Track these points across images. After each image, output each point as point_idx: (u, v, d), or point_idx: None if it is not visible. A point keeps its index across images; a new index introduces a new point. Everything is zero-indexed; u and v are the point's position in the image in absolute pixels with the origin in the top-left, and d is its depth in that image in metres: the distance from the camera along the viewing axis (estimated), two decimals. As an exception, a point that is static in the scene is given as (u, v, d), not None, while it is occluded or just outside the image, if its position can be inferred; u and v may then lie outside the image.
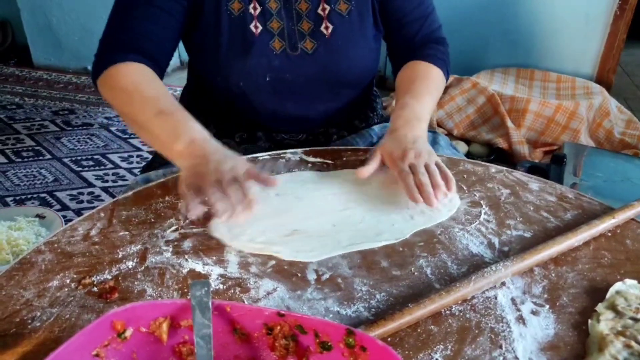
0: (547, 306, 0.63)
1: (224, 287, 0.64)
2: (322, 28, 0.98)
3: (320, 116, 1.08)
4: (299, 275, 0.67)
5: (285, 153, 0.94)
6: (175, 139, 0.78)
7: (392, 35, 1.06)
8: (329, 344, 0.44)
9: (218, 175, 0.72)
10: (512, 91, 2.47)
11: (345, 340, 0.43)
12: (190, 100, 1.12)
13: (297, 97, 1.02)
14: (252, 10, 0.96)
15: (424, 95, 0.96)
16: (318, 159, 0.93)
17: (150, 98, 0.86)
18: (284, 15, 0.97)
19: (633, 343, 0.55)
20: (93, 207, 0.79)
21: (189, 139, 0.78)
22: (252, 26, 0.96)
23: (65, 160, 2.32)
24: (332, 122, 1.10)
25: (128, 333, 0.45)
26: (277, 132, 1.07)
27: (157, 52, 0.94)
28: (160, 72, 0.94)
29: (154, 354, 0.46)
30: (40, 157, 2.33)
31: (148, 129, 0.84)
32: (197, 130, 0.80)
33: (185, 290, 0.64)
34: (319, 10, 0.98)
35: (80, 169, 2.25)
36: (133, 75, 0.89)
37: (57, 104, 2.87)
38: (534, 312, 0.62)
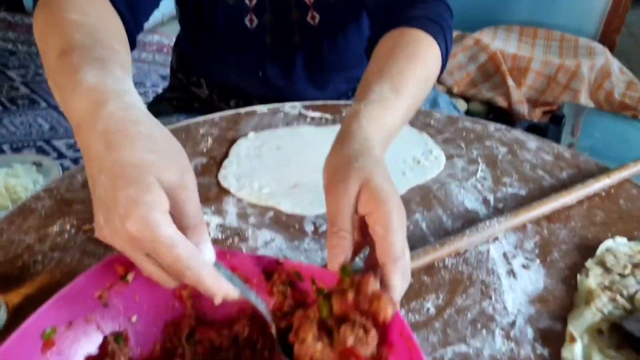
0: (538, 261, 0.64)
1: (223, 236, 0.66)
2: (309, 18, 0.93)
3: (316, 97, 1.05)
4: (297, 226, 0.68)
5: (283, 107, 0.93)
6: (67, 113, 0.46)
7: None
8: (325, 290, 0.45)
9: (140, 246, 0.39)
10: (515, 49, 2.44)
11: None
12: (182, 54, 1.10)
13: (291, 86, 1.00)
14: (247, 1, 0.91)
15: (407, 86, 0.60)
16: (317, 114, 0.93)
17: (65, 24, 0.53)
18: (275, 6, 0.93)
19: (618, 297, 0.57)
20: (91, 156, 0.79)
21: (76, 118, 0.44)
22: (247, 20, 0.93)
23: (61, 109, 2.30)
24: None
25: (130, 276, 0.46)
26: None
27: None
28: (134, 25, 0.68)
29: (155, 297, 0.47)
30: (36, 106, 2.31)
31: (51, 76, 0.50)
32: (87, 94, 0.44)
33: (185, 238, 0.65)
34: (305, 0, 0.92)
35: (76, 118, 2.23)
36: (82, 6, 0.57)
37: (52, 52, 2.82)
38: (524, 266, 0.63)
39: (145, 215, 0.37)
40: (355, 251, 0.47)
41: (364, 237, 0.47)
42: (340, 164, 0.48)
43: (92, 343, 0.45)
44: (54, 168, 1.59)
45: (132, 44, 0.66)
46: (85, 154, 0.42)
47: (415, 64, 0.62)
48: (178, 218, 0.40)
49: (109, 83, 0.44)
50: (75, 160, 1.95)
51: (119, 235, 0.38)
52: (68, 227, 0.65)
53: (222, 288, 0.41)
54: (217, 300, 0.41)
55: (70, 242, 0.63)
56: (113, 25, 0.60)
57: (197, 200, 0.41)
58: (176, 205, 0.39)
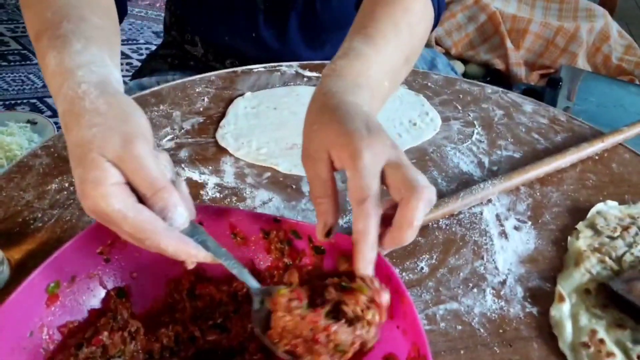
0: (530, 223, 0.66)
1: (221, 195, 0.66)
2: None
3: (312, 59, 1.03)
4: (294, 187, 0.69)
5: (280, 66, 0.93)
6: (54, 92, 0.45)
7: None
8: (322, 248, 0.47)
9: (105, 223, 0.40)
10: (515, 10, 2.40)
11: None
12: (175, 12, 1.07)
13: (286, 48, 0.98)
14: None
15: (389, 40, 0.56)
16: (314, 74, 0.92)
17: (42, 9, 0.51)
18: None
19: (607, 259, 0.59)
20: (87, 114, 0.79)
21: (53, 90, 0.45)
22: None
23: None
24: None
25: (131, 233, 0.46)
26: None
27: None
28: None
29: (156, 253, 0.48)
30: (28, 62, 2.27)
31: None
32: (55, 73, 0.45)
33: (183, 197, 0.65)
34: None
35: (69, 75, 2.20)
36: None
37: (42, 6, 2.75)
38: (516, 228, 0.65)
39: (92, 192, 0.38)
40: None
41: None
42: (306, 139, 0.48)
43: (95, 297, 0.46)
44: (48, 126, 1.58)
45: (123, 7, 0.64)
46: (62, 123, 0.43)
47: (394, 11, 0.57)
48: (136, 187, 0.39)
49: (65, 62, 0.44)
50: (69, 118, 1.93)
51: (84, 203, 0.39)
52: (66, 184, 0.66)
53: (190, 252, 0.40)
54: (188, 265, 0.41)
55: (69, 199, 0.64)
56: None
57: (152, 166, 0.39)
58: (128, 176, 0.39)
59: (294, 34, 0.97)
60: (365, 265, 0.41)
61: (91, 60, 0.45)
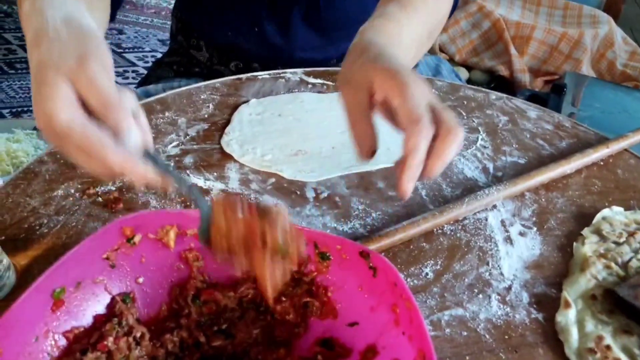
0: (535, 228, 0.65)
1: (225, 201, 0.66)
2: None
3: (317, 58, 1.02)
4: (298, 193, 0.69)
5: (285, 73, 0.93)
6: (26, 35, 0.47)
7: None
8: (328, 254, 0.47)
9: (58, 139, 0.41)
10: (518, 17, 2.41)
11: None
12: (181, 17, 1.08)
13: (289, 44, 0.98)
14: None
15: (419, 12, 0.63)
16: (319, 80, 0.93)
17: None
18: None
19: (613, 265, 0.59)
20: (93, 121, 0.79)
21: (29, 37, 0.46)
22: None
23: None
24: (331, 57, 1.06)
25: (137, 239, 0.47)
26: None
27: None
28: None
29: (161, 259, 0.48)
30: (34, 70, 2.29)
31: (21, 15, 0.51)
32: (39, 11, 0.46)
33: (188, 203, 0.66)
34: None
35: (75, 83, 2.22)
36: None
37: (48, 14, 2.77)
38: (521, 234, 0.65)
39: (43, 107, 0.39)
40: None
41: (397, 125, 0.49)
42: (348, 69, 0.52)
43: (100, 303, 0.46)
44: (54, 133, 1.58)
45: None
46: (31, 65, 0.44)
47: None
48: (89, 105, 0.41)
49: (37, 5, 0.46)
50: (75, 126, 1.94)
51: (41, 126, 0.41)
52: (72, 190, 0.66)
53: (137, 170, 0.41)
54: (137, 186, 0.41)
55: (75, 205, 0.64)
56: None
57: (105, 83, 0.40)
58: (81, 93, 0.40)
59: (297, 29, 0.97)
60: (408, 180, 0.45)
61: (63, 4, 0.46)
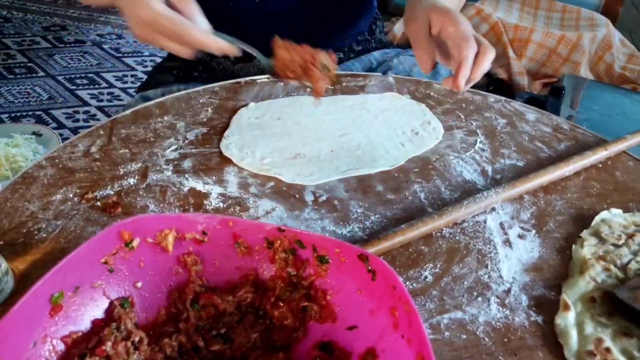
0: (534, 231, 0.65)
1: (224, 205, 0.66)
2: None
3: (314, 42, 1.05)
4: (297, 196, 0.69)
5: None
6: None
7: None
8: (326, 257, 0.47)
9: (152, 26, 0.62)
10: (517, 20, 2.41)
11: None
12: None
13: (289, 22, 0.99)
14: None
15: None
16: (317, 83, 0.93)
17: None
18: None
19: (612, 267, 0.58)
20: (89, 126, 0.80)
21: None
22: None
23: (59, 78, 2.28)
24: (327, 45, 1.07)
25: (135, 243, 0.47)
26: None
27: None
28: None
29: (160, 263, 0.48)
30: (34, 75, 2.29)
31: None
32: None
33: (187, 207, 0.66)
34: None
35: (74, 87, 2.22)
36: None
37: (48, 19, 2.78)
38: (520, 236, 0.64)
39: (147, 3, 0.61)
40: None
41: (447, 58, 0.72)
42: (411, 12, 0.74)
43: (98, 308, 0.46)
44: (53, 138, 1.59)
45: None
46: None
47: None
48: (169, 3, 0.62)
49: None
50: (75, 130, 1.95)
51: (137, 23, 0.62)
52: (71, 195, 0.66)
53: (212, 41, 0.63)
54: (215, 51, 0.64)
55: (74, 210, 0.64)
56: None
57: None
58: None
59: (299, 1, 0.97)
60: (463, 78, 0.67)
61: None
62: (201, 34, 0.62)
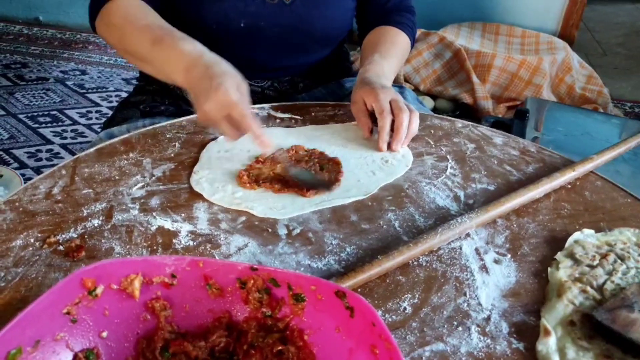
0: (509, 255, 0.65)
1: (194, 243, 0.64)
2: None
3: (289, 68, 1.06)
4: (270, 230, 0.67)
5: (252, 108, 0.92)
6: (173, 70, 0.78)
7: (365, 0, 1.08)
8: (302, 295, 0.45)
9: (226, 110, 0.72)
10: (478, 46, 2.48)
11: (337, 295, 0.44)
12: None
13: (269, 47, 1.01)
14: None
15: (392, 57, 1.00)
16: (287, 115, 0.92)
17: (142, 28, 0.84)
18: None
19: (589, 288, 0.58)
20: (53, 165, 0.77)
21: (183, 67, 0.76)
22: None
23: (21, 116, 2.22)
24: (300, 73, 1.09)
25: (99, 290, 0.44)
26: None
27: None
28: (153, 4, 0.91)
29: (126, 310, 0.45)
30: (-7, 114, 2.23)
31: (148, 61, 0.84)
32: (189, 53, 0.77)
33: (155, 247, 0.63)
34: None
35: (37, 125, 2.17)
36: (124, 9, 0.88)
37: (8, 57, 2.73)
38: (496, 261, 0.64)
39: (227, 89, 0.71)
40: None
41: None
42: (353, 95, 0.89)
43: (61, 361, 0.43)
44: (15, 179, 1.54)
45: None
46: (192, 79, 0.75)
47: (396, 46, 1.03)
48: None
49: (197, 47, 0.79)
50: (38, 170, 1.89)
51: (212, 102, 0.71)
52: (32, 240, 0.63)
53: (266, 139, 0.74)
54: (266, 151, 0.77)
55: (35, 255, 0.61)
56: (155, 14, 0.89)
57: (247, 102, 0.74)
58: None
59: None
60: (383, 142, 0.83)
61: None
62: (258, 128, 0.73)
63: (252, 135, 0.73)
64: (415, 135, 0.85)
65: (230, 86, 0.71)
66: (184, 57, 0.77)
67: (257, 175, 0.76)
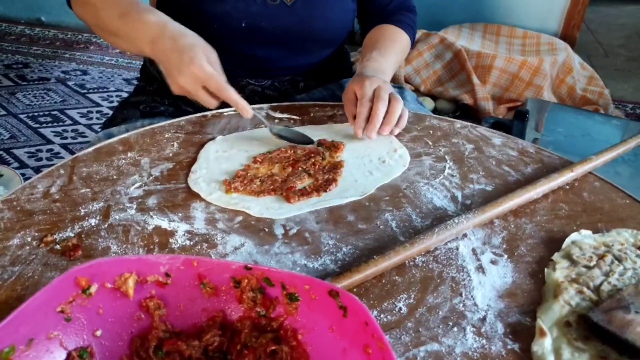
0: (506, 256, 0.65)
1: (191, 243, 0.64)
2: None
3: (290, 68, 1.07)
4: (267, 230, 0.67)
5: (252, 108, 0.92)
6: (140, 42, 0.82)
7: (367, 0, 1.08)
8: (296, 295, 0.45)
9: (201, 82, 0.77)
10: (479, 47, 2.48)
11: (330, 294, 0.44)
12: None
13: (270, 48, 1.01)
14: None
15: (391, 54, 1.00)
16: (285, 115, 0.92)
17: (111, 3, 0.86)
18: None
19: (585, 289, 0.58)
20: (53, 165, 0.77)
21: (149, 38, 0.80)
22: None
23: (22, 116, 2.23)
24: (300, 74, 1.09)
25: (93, 289, 0.44)
26: (242, 77, 1.05)
27: None
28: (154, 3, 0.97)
29: (120, 309, 0.45)
30: (-7, 114, 2.24)
31: (119, 35, 0.86)
32: (153, 24, 0.81)
33: (152, 246, 0.63)
34: None
35: (37, 125, 2.17)
36: None
37: (10, 57, 2.74)
38: (493, 262, 0.64)
39: (200, 63, 0.75)
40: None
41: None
42: (349, 84, 0.89)
43: (55, 360, 0.43)
44: (15, 178, 1.54)
45: None
46: (160, 51, 0.79)
47: (396, 44, 1.04)
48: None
49: (161, 17, 0.82)
50: (37, 170, 1.89)
51: (187, 77, 0.76)
52: (29, 239, 0.63)
53: (243, 102, 0.79)
54: (246, 114, 0.81)
55: (32, 254, 0.61)
56: None
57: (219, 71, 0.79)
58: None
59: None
60: (358, 128, 0.83)
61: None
62: (236, 95, 0.79)
63: (232, 104, 0.79)
64: (404, 127, 0.87)
65: (202, 59, 0.76)
66: (149, 29, 0.80)
67: (253, 175, 0.76)
